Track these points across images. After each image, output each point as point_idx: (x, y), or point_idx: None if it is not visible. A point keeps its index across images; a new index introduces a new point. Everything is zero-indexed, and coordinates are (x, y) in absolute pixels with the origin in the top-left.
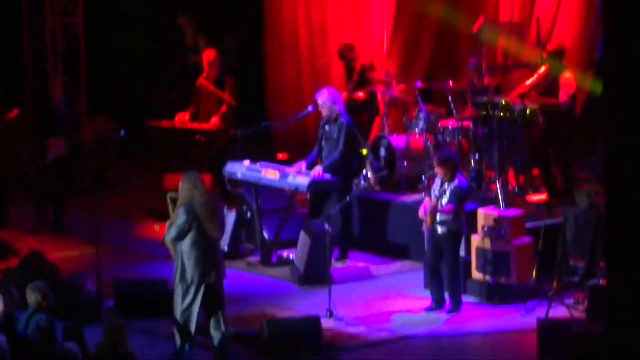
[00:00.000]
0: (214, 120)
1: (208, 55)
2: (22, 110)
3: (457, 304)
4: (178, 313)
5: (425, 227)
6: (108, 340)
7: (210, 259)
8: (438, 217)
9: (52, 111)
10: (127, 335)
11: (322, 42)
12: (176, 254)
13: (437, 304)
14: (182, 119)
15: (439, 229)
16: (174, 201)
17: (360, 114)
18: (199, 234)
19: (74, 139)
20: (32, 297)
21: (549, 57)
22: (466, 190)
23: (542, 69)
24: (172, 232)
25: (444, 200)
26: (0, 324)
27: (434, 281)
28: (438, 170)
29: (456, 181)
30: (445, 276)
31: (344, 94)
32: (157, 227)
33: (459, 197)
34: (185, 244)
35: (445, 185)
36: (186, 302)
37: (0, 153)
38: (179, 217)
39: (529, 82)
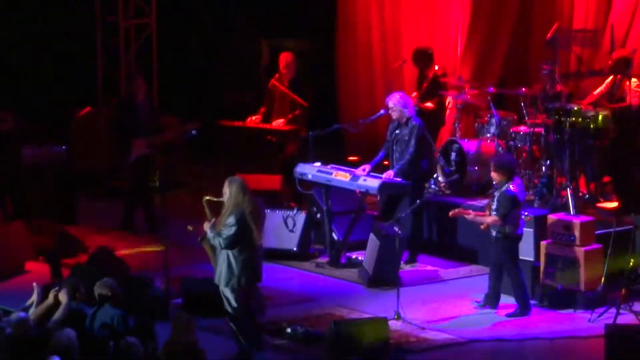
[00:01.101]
0: (283, 121)
1: (285, 58)
2: (93, 109)
3: (523, 308)
4: (232, 317)
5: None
6: (177, 336)
7: (256, 264)
8: None
9: (135, 111)
10: (196, 332)
11: (396, 46)
12: (218, 257)
13: (487, 299)
14: (253, 120)
15: (493, 232)
16: (211, 204)
17: (426, 124)
18: (248, 240)
19: (156, 139)
20: (101, 293)
21: (615, 65)
22: (511, 197)
23: (610, 78)
24: (225, 242)
25: (494, 205)
26: (68, 318)
27: (491, 276)
28: (494, 175)
29: (505, 187)
30: (509, 281)
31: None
32: (190, 228)
33: (502, 204)
34: (234, 249)
35: (497, 192)
36: (238, 307)
37: (71, 150)
38: (231, 225)
39: (597, 91)
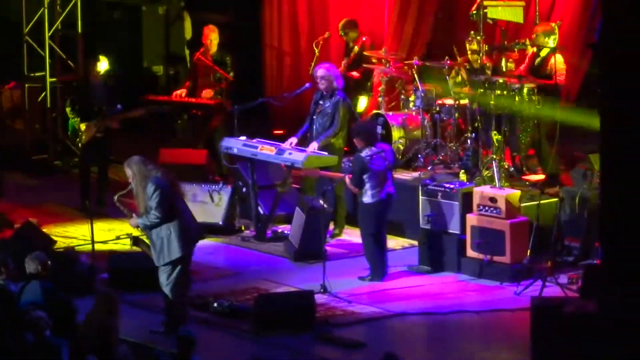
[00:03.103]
0: (209, 94)
1: (209, 31)
2: (17, 84)
3: (374, 274)
4: (172, 292)
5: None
6: (97, 312)
7: (191, 226)
8: None
9: (90, 93)
10: (118, 309)
11: (323, 18)
12: (152, 240)
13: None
14: (179, 95)
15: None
16: (123, 200)
17: (353, 94)
18: (172, 206)
19: (102, 123)
20: (32, 267)
21: (538, 38)
22: (357, 160)
23: (532, 51)
24: (157, 213)
25: None
26: None
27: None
28: (355, 141)
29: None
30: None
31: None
32: (125, 236)
33: (352, 165)
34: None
35: None
36: (178, 277)
37: None
38: (153, 195)
39: (522, 66)
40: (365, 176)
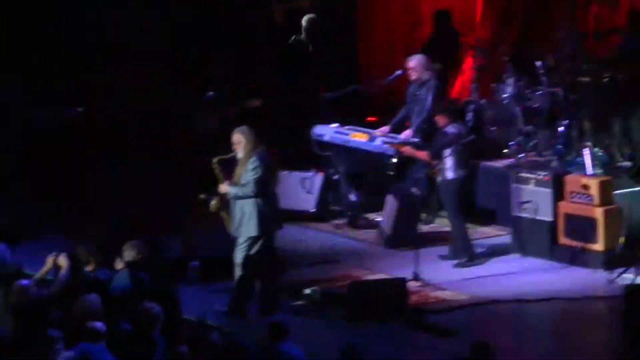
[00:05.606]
0: None
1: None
2: None
3: (467, 257)
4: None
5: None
6: None
7: (276, 210)
8: None
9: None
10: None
11: (415, 6)
12: (234, 210)
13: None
14: None
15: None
16: (221, 165)
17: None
18: (267, 184)
19: (223, 112)
20: (130, 254)
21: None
22: (445, 134)
23: (622, 37)
24: (253, 187)
25: None
26: (91, 284)
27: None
28: (437, 118)
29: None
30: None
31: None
32: (202, 196)
33: (436, 141)
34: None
35: None
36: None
37: None
38: (255, 168)
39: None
40: (449, 152)
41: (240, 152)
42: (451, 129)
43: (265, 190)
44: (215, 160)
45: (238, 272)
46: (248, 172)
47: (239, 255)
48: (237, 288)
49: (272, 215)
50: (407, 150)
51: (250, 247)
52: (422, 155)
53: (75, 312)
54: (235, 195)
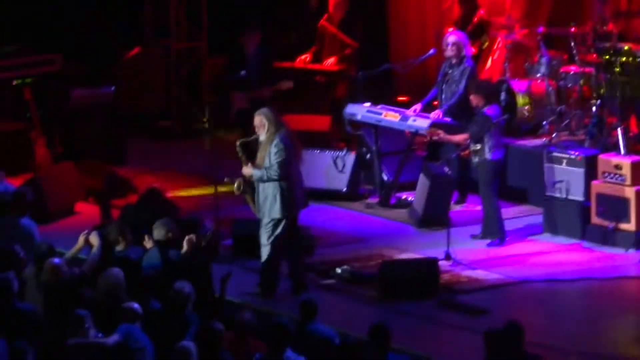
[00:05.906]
0: (332, 61)
1: None
2: (142, 50)
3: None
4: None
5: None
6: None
7: (300, 190)
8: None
9: (244, 64)
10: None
11: None
12: (258, 192)
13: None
14: (303, 60)
15: (474, 159)
16: (245, 147)
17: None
18: (292, 165)
19: (256, 93)
20: (160, 233)
21: None
22: (484, 117)
23: None
24: (278, 169)
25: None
26: (122, 262)
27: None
28: (472, 98)
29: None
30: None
31: None
32: (226, 180)
33: (475, 123)
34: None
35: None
36: (276, 238)
37: (118, 92)
38: (279, 150)
39: None
40: (488, 133)
41: (262, 134)
42: (490, 110)
43: (288, 172)
44: (238, 142)
45: (264, 253)
46: (271, 154)
47: (264, 237)
48: (264, 269)
49: (296, 195)
50: (443, 136)
51: (274, 228)
52: (460, 139)
53: (99, 286)
54: (259, 178)
